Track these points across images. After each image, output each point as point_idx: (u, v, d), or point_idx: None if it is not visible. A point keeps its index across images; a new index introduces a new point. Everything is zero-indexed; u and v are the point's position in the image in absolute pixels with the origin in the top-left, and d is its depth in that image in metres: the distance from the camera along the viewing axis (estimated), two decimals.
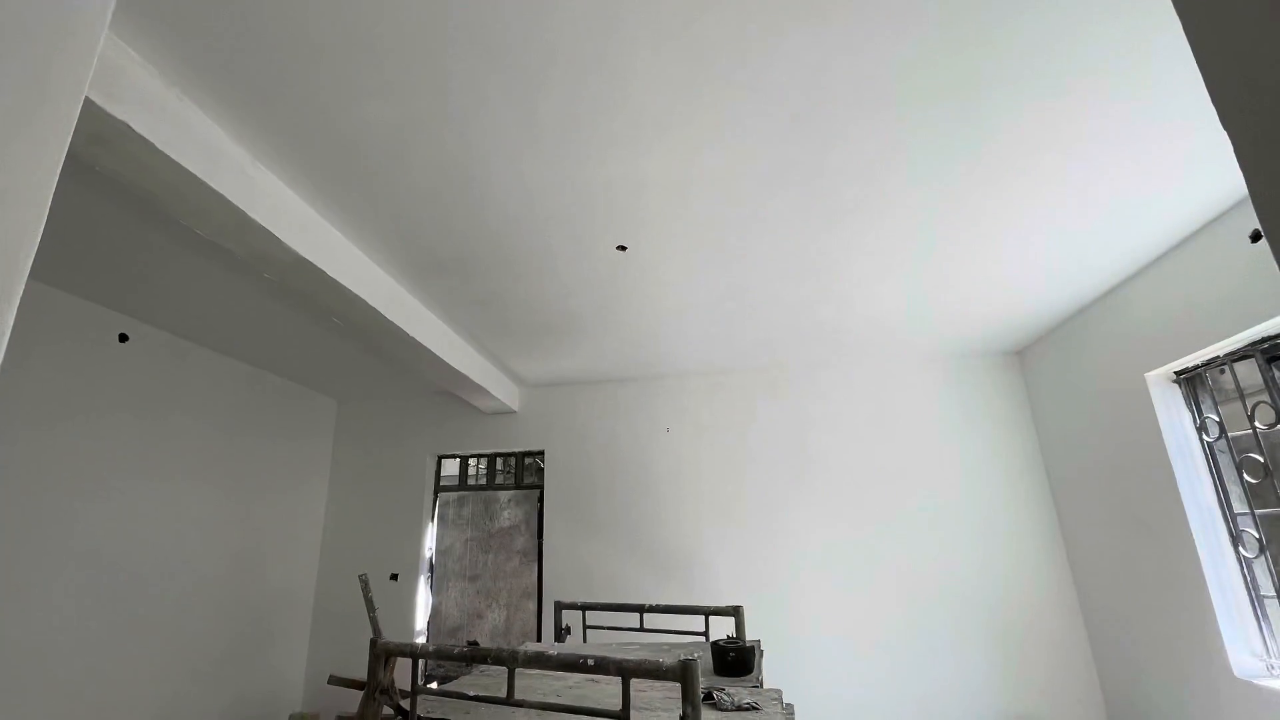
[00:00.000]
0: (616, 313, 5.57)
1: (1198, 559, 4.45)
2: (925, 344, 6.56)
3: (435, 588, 7.65)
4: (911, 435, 6.76)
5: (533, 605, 7.38)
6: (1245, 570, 4.34)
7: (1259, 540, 4.25)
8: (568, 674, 3.69)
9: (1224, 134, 0.98)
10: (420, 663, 3.35)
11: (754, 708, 3.24)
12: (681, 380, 7.43)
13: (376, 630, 4.47)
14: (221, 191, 3.15)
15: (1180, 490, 4.62)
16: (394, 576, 7.39)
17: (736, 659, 3.91)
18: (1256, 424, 4.17)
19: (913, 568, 6.34)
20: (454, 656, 3.04)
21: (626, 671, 2.59)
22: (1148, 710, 5.02)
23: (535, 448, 7.70)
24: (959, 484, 6.50)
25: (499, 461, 8.27)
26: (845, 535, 6.59)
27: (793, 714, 3.38)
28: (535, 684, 3.62)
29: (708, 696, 3.33)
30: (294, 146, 3.36)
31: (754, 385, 7.25)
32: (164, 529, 5.57)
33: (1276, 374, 4.01)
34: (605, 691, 3.45)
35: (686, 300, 5.33)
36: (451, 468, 8.36)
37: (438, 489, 8.05)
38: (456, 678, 4.06)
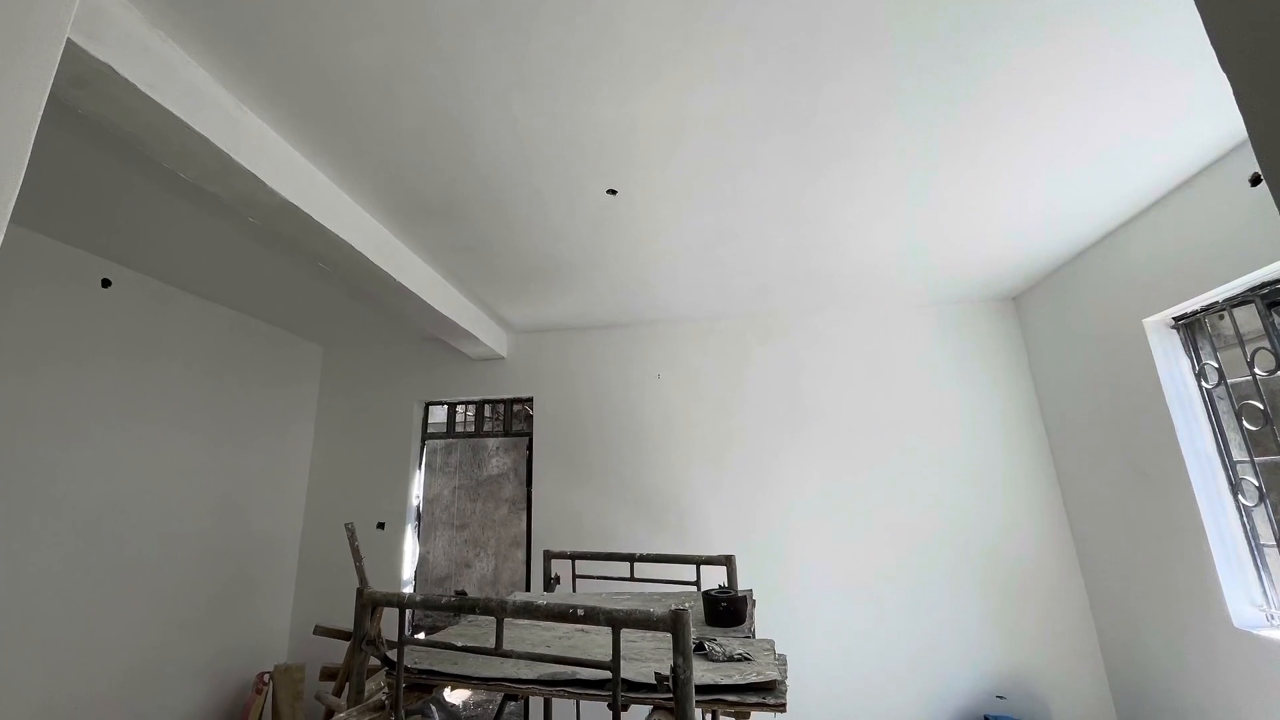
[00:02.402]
0: (607, 258, 5.46)
1: (1196, 507, 4.40)
2: (920, 290, 6.45)
3: (422, 537, 7.65)
4: (906, 382, 6.68)
5: (521, 554, 7.39)
6: (1245, 519, 4.29)
7: (1258, 488, 4.20)
8: (557, 624, 3.63)
9: (1224, 76, 0.96)
10: (407, 613, 3.31)
11: (746, 658, 3.19)
12: (673, 326, 7.33)
13: (363, 580, 4.43)
14: (205, 134, 3.11)
15: (1179, 437, 4.56)
16: (380, 525, 7.34)
17: (728, 609, 3.87)
18: (1256, 370, 4.11)
19: (908, 516, 6.30)
20: (441, 606, 2.98)
21: (616, 621, 2.53)
22: (1145, 660, 5.01)
23: (524, 394, 7.59)
24: (955, 431, 6.43)
25: (487, 408, 8.23)
26: (839, 483, 6.54)
27: (785, 664, 3.34)
28: (524, 634, 3.57)
29: (699, 647, 3.28)
30: (279, 89, 3.30)
31: (747, 331, 7.16)
32: (147, 476, 5.50)
33: (1276, 319, 3.94)
34: (595, 642, 3.40)
35: (678, 245, 5.22)
36: (439, 415, 8.31)
37: (425, 436, 7.96)
38: (444, 628, 4.01)
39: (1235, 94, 0.94)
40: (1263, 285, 3.96)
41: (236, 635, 6.36)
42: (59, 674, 4.68)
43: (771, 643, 3.46)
